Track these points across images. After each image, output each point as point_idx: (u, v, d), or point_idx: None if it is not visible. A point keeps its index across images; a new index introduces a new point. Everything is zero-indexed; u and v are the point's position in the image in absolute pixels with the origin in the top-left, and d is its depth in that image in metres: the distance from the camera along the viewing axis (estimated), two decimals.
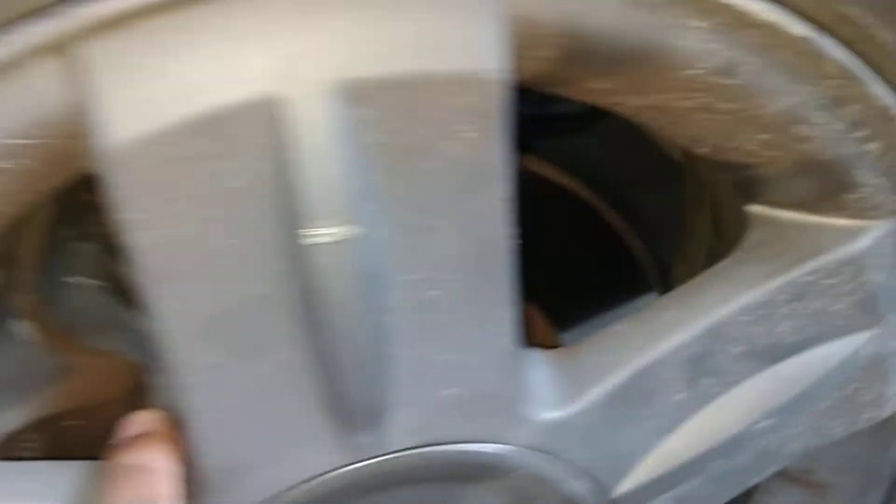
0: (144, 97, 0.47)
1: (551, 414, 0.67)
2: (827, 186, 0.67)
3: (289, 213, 0.51)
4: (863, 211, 0.68)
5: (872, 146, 0.64)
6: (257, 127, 0.48)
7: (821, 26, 0.56)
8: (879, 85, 0.60)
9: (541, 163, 0.86)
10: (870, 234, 0.69)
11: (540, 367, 0.69)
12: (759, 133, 0.63)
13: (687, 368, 0.70)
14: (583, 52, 0.54)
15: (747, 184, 0.70)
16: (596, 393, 0.68)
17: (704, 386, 0.72)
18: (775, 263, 0.70)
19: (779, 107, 0.60)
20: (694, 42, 0.55)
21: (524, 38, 0.52)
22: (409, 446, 0.64)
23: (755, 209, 0.72)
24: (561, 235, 0.84)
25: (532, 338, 0.88)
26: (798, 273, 0.70)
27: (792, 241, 0.70)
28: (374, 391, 0.60)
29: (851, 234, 0.69)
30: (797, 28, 0.55)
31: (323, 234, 0.52)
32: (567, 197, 0.85)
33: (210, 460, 0.59)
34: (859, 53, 0.58)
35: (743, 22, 0.55)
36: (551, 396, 0.68)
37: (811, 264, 0.70)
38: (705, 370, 0.71)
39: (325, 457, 0.62)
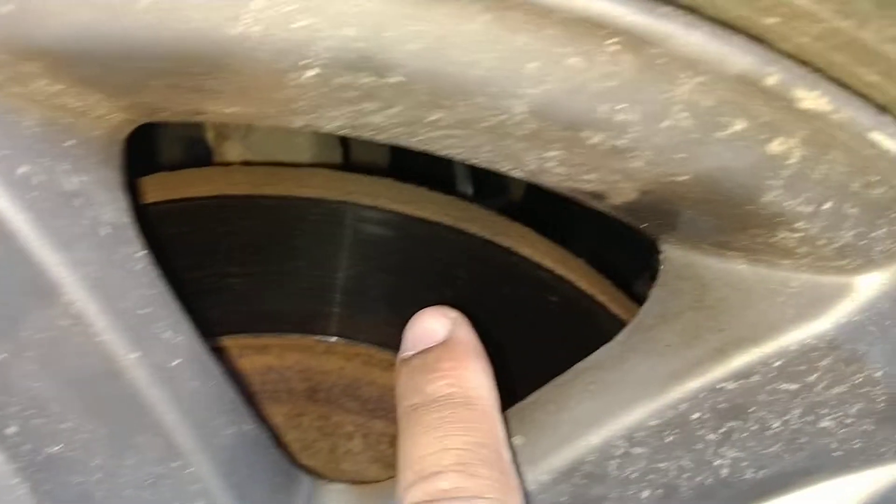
0: None
1: None
2: (731, 222, 0.36)
3: None
4: (825, 260, 0.36)
5: (780, 147, 0.32)
6: None
7: None
8: (705, 34, 0.29)
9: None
10: (853, 299, 0.36)
11: None
12: (539, 150, 0.34)
13: None
14: (94, 59, 0.32)
15: (627, 213, 0.40)
16: None
17: None
18: (684, 353, 0.40)
19: (524, 107, 0.32)
20: (249, 30, 0.30)
21: None
22: None
23: (665, 249, 0.42)
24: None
25: None
26: (723, 372, 0.39)
27: (716, 308, 0.40)
28: None
29: (817, 298, 0.37)
30: None
31: None
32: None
33: None
34: None
35: None
36: None
37: (748, 356, 0.39)
38: None
39: None
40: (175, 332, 0.40)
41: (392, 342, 0.57)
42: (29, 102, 0.34)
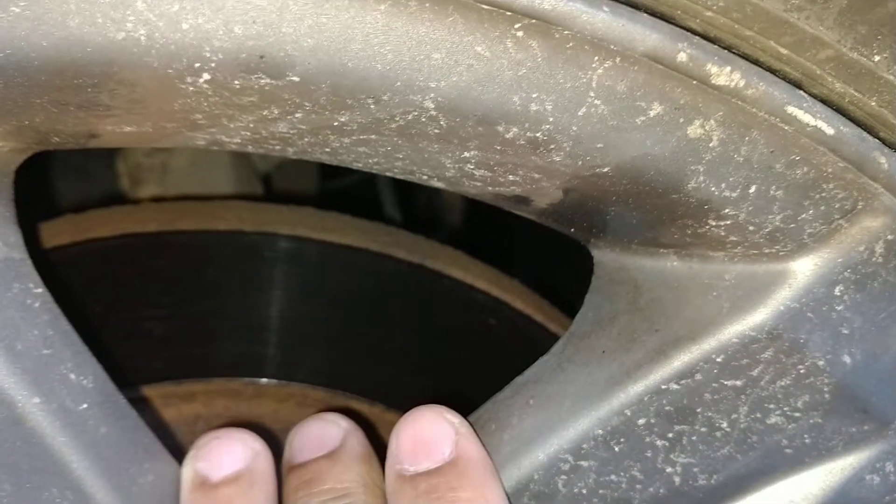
0: None
1: None
2: (658, 215, 0.35)
3: None
4: (756, 247, 0.35)
5: (699, 130, 0.31)
6: None
7: None
8: (610, 13, 0.28)
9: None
10: (789, 286, 0.36)
11: None
12: (456, 151, 0.33)
13: None
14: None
15: (554, 217, 0.39)
16: None
17: None
18: (623, 358, 0.39)
19: (434, 102, 0.30)
20: (134, 35, 0.28)
21: None
22: None
23: (597, 254, 0.41)
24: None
25: None
26: (665, 373, 0.38)
27: (651, 309, 0.38)
28: None
29: (752, 289, 0.36)
30: None
31: None
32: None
33: None
34: None
35: None
36: None
37: (687, 354, 0.37)
38: None
39: None
40: (81, 374, 0.37)
41: (328, 379, 0.55)
42: None
